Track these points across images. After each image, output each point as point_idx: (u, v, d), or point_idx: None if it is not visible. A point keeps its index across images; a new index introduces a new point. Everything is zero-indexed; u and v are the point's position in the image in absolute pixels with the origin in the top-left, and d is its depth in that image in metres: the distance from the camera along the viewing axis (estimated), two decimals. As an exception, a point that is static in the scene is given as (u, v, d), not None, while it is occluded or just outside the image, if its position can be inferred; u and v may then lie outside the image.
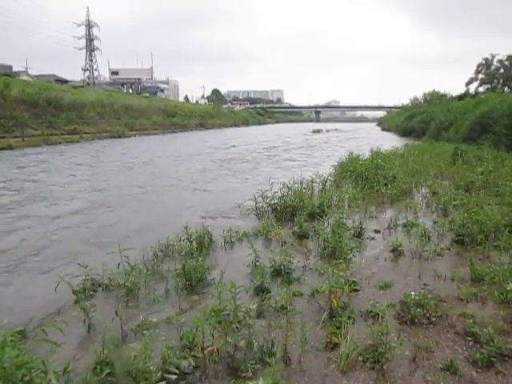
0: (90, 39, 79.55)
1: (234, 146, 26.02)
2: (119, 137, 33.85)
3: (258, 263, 4.57)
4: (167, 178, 12.56)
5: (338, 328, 3.14)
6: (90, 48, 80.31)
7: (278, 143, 28.89)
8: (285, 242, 5.51)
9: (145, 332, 3.21)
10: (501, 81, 53.76)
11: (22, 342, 2.92)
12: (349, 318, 3.30)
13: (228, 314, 3.18)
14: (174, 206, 8.53)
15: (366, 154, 14.61)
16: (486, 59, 54.96)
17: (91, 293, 4.13)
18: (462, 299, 3.82)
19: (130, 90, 76.50)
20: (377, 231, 6.05)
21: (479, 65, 55.40)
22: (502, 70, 54.08)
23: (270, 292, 3.81)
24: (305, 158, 18.35)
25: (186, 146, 26.36)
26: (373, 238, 5.73)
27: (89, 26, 78.61)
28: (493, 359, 2.84)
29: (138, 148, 24.89)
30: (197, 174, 13.22)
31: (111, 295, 4.08)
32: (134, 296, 4.05)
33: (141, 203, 8.72)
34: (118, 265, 4.20)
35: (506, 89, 49.34)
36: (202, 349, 2.86)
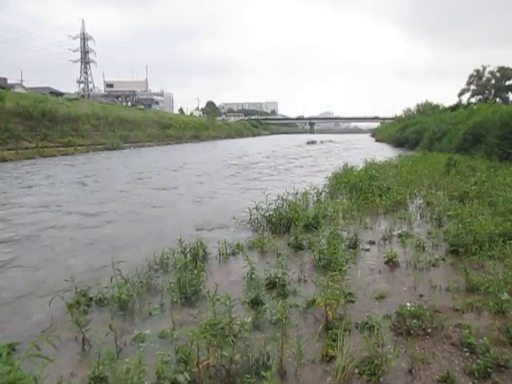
0: (84, 52, 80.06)
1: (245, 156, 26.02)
2: (114, 149, 33.83)
3: (253, 275, 4.55)
4: (162, 189, 12.54)
5: (334, 340, 3.12)
6: (85, 60, 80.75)
7: (270, 154, 28.96)
8: (280, 254, 5.50)
9: (140, 345, 3.19)
10: (492, 91, 54.52)
11: (14, 356, 2.89)
12: (345, 330, 3.29)
13: (223, 328, 3.16)
14: (170, 218, 8.49)
15: (360, 164, 14.69)
16: (478, 70, 55.77)
17: (85, 307, 4.08)
18: (457, 310, 3.82)
19: (126, 103, 76.63)
20: (372, 242, 6.06)
21: (471, 76, 56.21)
22: (493, 81, 54.86)
23: (265, 304, 3.79)
24: (301, 170, 18.39)
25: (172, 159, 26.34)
26: (368, 250, 5.74)
27: (84, 38, 79.17)
28: (489, 370, 2.83)
29: (132, 159, 24.86)
30: (193, 186, 13.20)
31: (105, 309, 4.04)
32: (129, 310, 4.01)
33: (134, 215, 8.67)
34: (111, 278, 4.18)
35: (497, 99, 49.99)
36: (198, 363, 2.83)
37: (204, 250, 5.52)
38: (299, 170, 18.56)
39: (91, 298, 4.22)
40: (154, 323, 3.71)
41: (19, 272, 5.27)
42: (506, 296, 3.78)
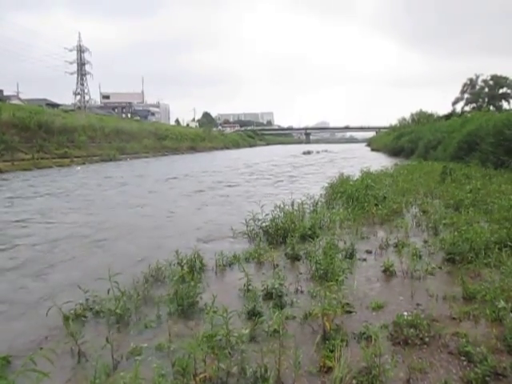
0: (81, 64, 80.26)
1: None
2: (110, 160, 33.87)
3: (250, 287, 4.54)
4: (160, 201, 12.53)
5: (332, 351, 3.11)
6: (82, 72, 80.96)
7: (268, 165, 29.03)
8: (277, 265, 5.49)
9: (136, 358, 3.17)
10: (486, 100, 55.04)
11: (8, 370, 2.86)
12: (342, 340, 3.28)
13: (220, 340, 3.15)
14: (167, 229, 8.48)
15: (356, 174, 14.74)
16: (471, 79, 56.35)
17: (82, 319, 4.07)
18: (454, 318, 3.82)
19: (126, 115, 76.91)
20: (368, 252, 6.07)
21: (464, 85, 56.76)
22: (486, 90, 55.40)
23: (262, 316, 3.77)
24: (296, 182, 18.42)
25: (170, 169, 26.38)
26: (364, 259, 5.74)
27: (80, 50, 79.45)
28: (487, 378, 2.83)
29: (127, 171, 24.86)
30: (187, 197, 13.20)
31: (102, 321, 4.02)
32: (125, 322, 3.99)
33: (131, 227, 8.65)
34: (108, 290, 4.16)
35: (491, 107, 50.43)
36: (195, 376, 2.81)
37: (201, 262, 5.51)
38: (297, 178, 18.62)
39: (90, 309, 4.20)
40: (151, 336, 3.69)
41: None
42: (502, 304, 3.79)
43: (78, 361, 3.34)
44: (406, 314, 3.78)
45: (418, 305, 4.15)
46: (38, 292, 4.96)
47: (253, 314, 3.87)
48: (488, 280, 4.44)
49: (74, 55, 79.19)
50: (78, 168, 26.90)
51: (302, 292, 4.58)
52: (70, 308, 4.08)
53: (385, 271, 5.13)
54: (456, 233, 5.97)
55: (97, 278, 4.33)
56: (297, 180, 18.84)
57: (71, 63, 79.10)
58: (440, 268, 5.22)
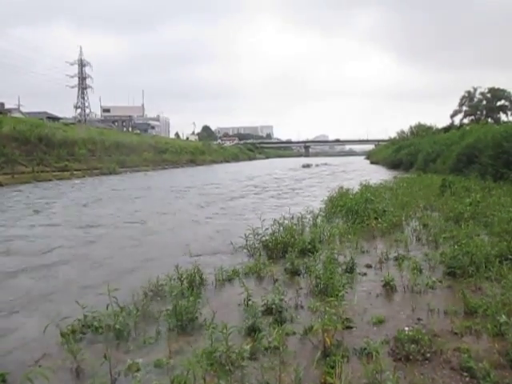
0: (82, 78, 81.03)
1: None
2: (110, 173, 33.92)
3: (249, 302, 4.51)
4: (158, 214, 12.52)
5: (332, 367, 3.08)
6: (82, 86, 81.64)
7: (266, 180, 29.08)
8: (277, 280, 5.46)
9: (135, 375, 3.14)
10: (484, 112, 55.42)
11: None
12: (343, 356, 3.25)
13: (220, 356, 3.12)
14: (166, 243, 8.46)
15: (355, 187, 14.77)
16: (469, 92, 56.80)
17: (80, 335, 4.03)
18: (456, 333, 3.79)
19: (128, 129, 77.25)
20: (368, 266, 6.04)
21: (462, 97, 57.19)
22: (484, 102, 55.80)
23: (262, 332, 3.74)
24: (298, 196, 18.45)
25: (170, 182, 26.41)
26: (365, 274, 5.71)
27: (81, 64, 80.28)
28: (490, 395, 2.80)
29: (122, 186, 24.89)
30: (189, 210, 13.20)
31: (100, 337, 3.99)
32: (124, 338, 3.95)
33: (130, 241, 8.63)
34: (107, 306, 4.13)
35: (489, 119, 50.75)
36: (194, 393, 2.78)
37: (200, 277, 5.48)
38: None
39: (89, 326, 4.16)
40: (150, 352, 3.65)
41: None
42: (504, 318, 3.75)
43: (75, 377, 3.30)
44: (407, 329, 3.75)
45: (418, 319, 4.12)
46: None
47: (253, 330, 3.84)
48: (489, 294, 4.41)
49: (75, 69, 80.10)
50: (77, 181, 26.89)
51: (301, 307, 4.55)
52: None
53: (385, 285, 5.10)
54: (456, 246, 5.94)
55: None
56: (302, 192, 19.04)
57: (72, 77, 79.93)
58: (441, 282, 5.19)
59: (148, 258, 7.15)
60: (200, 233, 9.35)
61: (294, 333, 3.84)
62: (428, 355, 3.36)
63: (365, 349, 3.43)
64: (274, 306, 4.30)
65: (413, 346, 3.43)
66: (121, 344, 3.85)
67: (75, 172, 30.65)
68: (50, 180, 26.45)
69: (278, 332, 3.26)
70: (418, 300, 4.61)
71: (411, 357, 3.34)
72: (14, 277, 6.25)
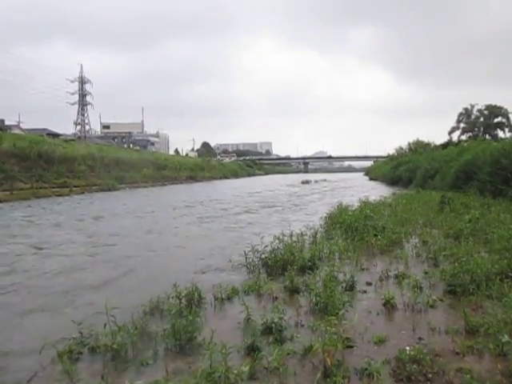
0: (82, 95, 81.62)
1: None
2: (109, 190, 33.91)
3: (249, 320, 4.46)
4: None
5: (333, 389, 3.03)
6: (83, 103, 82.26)
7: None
8: (276, 298, 5.41)
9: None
10: (481, 129, 55.92)
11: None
12: (343, 377, 3.21)
13: (219, 377, 3.07)
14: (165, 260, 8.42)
15: (354, 204, 14.78)
16: (466, 109, 57.41)
17: (77, 355, 3.97)
18: (458, 353, 3.73)
19: (128, 145, 77.61)
20: (369, 283, 6.00)
21: (460, 114, 57.80)
22: (481, 119, 56.32)
23: (261, 351, 3.69)
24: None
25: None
26: (365, 291, 5.66)
27: (82, 82, 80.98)
28: (493, 417, 2.75)
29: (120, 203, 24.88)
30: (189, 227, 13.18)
31: (98, 358, 3.93)
32: (122, 358, 3.90)
33: (128, 259, 8.59)
34: (105, 325, 4.09)
35: (487, 136, 51.16)
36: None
37: (199, 295, 5.43)
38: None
39: (85, 345, 4.10)
40: (148, 372, 3.59)
41: None
42: (506, 338, 3.71)
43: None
44: (408, 348, 3.70)
45: (420, 339, 4.07)
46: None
47: (252, 350, 3.79)
48: (490, 313, 4.37)
49: (75, 86, 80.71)
50: (76, 197, 26.88)
51: (302, 325, 4.50)
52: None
53: (385, 304, 5.05)
54: (456, 264, 5.92)
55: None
56: (304, 208, 19.17)
57: (72, 94, 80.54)
58: (441, 300, 5.15)
59: (149, 276, 7.11)
60: (204, 248, 9.35)
61: (295, 352, 3.79)
62: (430, 376, 3.31)
63: (366, 369, 3.38)
64: (273, 325, 4.25)
65: (414, 366, 3.38)
66: (118, 364, 3.79)
67: (74, 188, 30.65)
68: (49, 196, 26.43)
69: (277, 352, 3.22)
70: (418, 318, 4.57)
71: (413, 377, 3.29)
72: None
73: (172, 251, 9.44)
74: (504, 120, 55.68)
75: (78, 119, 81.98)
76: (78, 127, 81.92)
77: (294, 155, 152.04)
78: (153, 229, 12.92)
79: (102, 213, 17.79)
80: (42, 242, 10.68)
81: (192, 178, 57.01)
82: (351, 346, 3.89)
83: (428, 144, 50.79)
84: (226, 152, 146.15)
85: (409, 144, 55.41)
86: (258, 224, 13.27)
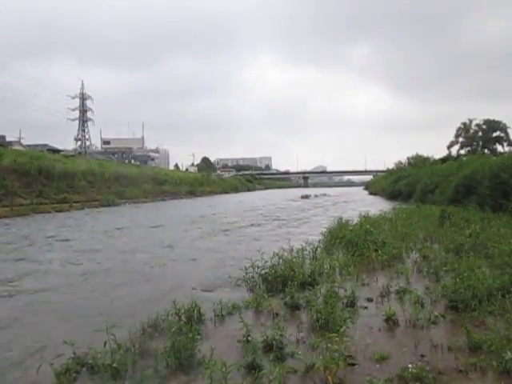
0: (83, 111, 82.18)
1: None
2: (109, 205, 33.87)
3: (249, 337, 4.42)
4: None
5: (335, 408, 2.99)
6: (83, 119, 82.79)
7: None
8: (276, 314, 5.36)
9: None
10: (480, 143, 56.12)
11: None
12: (346, 396, 3.17)
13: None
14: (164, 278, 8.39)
15: (354, 218, 14.77)
16: (465, 123, 57.72)
17: (74, 374, 3.92)
18: (461, 370, 3.69)
19: (129, 160, 77.95)
20: (369, 299, 5.95)
21: (458, 129, 58.06)
22: (480, 133, 56.59)
23: (262, 369, 3.65)
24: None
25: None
26: (366, 307, 5.62)
27: (83, 98, 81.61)
28: None
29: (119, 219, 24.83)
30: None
31: (97, 377, 3.88)
32: (121, 377, 3.85)
33: (129, 275, 8.55)
34: (105, 343, 4.05)
35: (485, 150, 51.35)
36: None
37: (199, 312, 5.38)
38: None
39: (83, 365, 4.04)
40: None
41: None
42: (509, 355, 3.67)
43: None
44: (410, 366, 3.66)
45: (422, 356, 4.02)
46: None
47: (252, 368, 3.75)
48: (493, 329, 4.33)
49: (76, 102, 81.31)
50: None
51: (303, 342, 4.45)
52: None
53: (387, 320, 5.00)
54: (458, 279, 5.88)
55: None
56: (307, 221, 19.35)
57: (73, 110, 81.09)
58: (443, 316, 5.10)
59: (151, 293, 7.07)
60: (209, 263, 9.34)
61: (296, 371, 3.74)
62: (433, 394, 3.27)
63: (368, 388, 3.34)
64: (274, 342, 4.21)
65: (417, 384, 3.34)
66: (117, 383, 3.75)
67: (74, 204, 30.63)
68: (49, 212, 26.38)
69: (278, 370, 3.19)
70: (420, 335, 4.52)
71: (416, 396, 3.25)
72: None
73: (183, 265, 9.43)
74: (502, 134, 55.94)
75: (78, 135, 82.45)
76: (79, 143, 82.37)
77: (293, 170, 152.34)
78: (163, 242, 12.93)
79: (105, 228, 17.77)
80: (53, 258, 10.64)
81: (192, 193, 57.03)
82: (353, 364, 3.85)
83: (427, 158, 51.00)
84: (225, 167, 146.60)
85: (408, 158, 55.66)
86: (268, 237, 13.58)
